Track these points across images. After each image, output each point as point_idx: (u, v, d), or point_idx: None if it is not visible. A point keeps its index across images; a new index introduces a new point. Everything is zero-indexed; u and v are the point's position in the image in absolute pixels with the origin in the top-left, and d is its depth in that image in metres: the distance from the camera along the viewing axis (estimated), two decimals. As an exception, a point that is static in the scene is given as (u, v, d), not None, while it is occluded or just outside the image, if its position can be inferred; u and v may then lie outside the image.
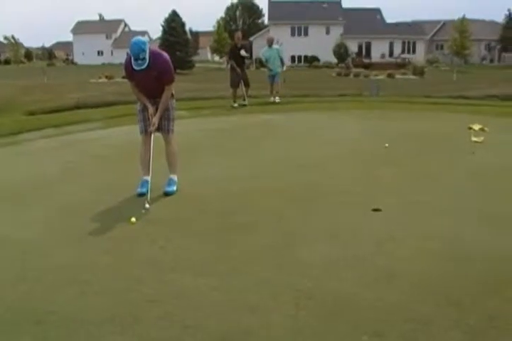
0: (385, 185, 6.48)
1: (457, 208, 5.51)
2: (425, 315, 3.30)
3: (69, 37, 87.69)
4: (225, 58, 15.82)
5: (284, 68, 16.00)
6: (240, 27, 79.82)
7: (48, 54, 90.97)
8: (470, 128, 10.00)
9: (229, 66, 15.80)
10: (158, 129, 6.20)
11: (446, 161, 7.72)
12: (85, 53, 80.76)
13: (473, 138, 9.10)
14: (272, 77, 15.64)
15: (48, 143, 9.68)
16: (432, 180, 6.67)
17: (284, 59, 15.95)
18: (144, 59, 5.63)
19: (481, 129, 9.95)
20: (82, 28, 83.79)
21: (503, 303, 3.44)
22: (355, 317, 3.30)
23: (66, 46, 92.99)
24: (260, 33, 63.62)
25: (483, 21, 67.24)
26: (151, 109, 6.07)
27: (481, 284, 3.74)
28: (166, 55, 5.99)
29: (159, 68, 5.84)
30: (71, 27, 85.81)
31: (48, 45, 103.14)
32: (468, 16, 56.98)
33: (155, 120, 6.04)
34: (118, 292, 3.70)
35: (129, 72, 5.93)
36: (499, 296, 3.55)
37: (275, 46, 15.92)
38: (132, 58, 5.67)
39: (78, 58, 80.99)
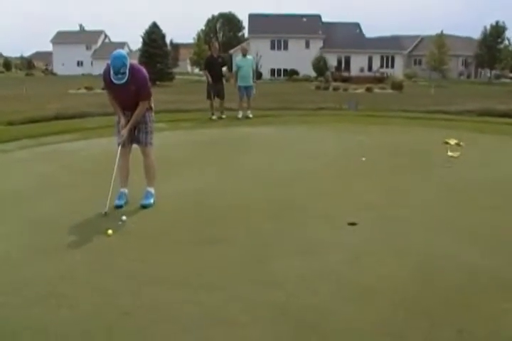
0: (362, 199, 6.53)
1: (432, 222, 5.58)
2: (399, 329, 3.33)
3: (48, 47, 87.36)
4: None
5: (254, 82, 15.50)
6: (220, 40, 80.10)
7: (27, 64, 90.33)
8: (446, 143, 10.14)
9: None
10: (137, 142, 6.21)
11: (423, 175, 7.81)
12: (65, 64, 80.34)
13: (449, 153, 9.22)
14: (244, 90, 15.22)
15: (26, 154, 9.59)
16: (408, 194, 6.74)
17: (255, 71, 15.63)
18: (124, 73, 5.64)
19: (457, 144, 10.09)
20: (62, 38, 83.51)
21: (473, 316, 3.49)
22: (331, 331, 3.32)
23: (45, 56, 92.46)
24: (240, 45, 63.90)
25: (459, 37, 68.30)
26: (122, 121, 6.08)
27: (452, 297, 3.80)
28: (144, 70, 6.02)
29: (137, 83, 5.86)
30: (51, 37, 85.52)
31: (27, 54, 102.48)
32: (446, 32, 57.93)
33: (123, 132, 6.03)
34: (93, 305, 3.68)
35: (108, 82, 5.93)
36: (471, 310, 3.59)
37: (249, 56, 15.77)
38: (112, 71, 5.66)
39: (58, 68, 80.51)
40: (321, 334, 3.28)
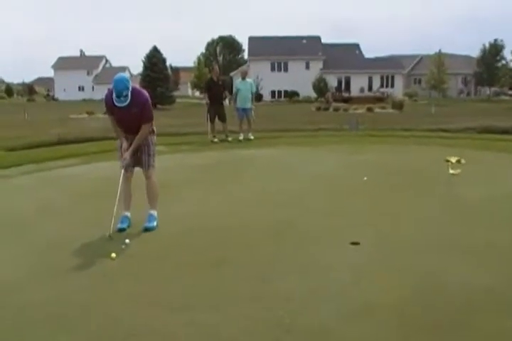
0: (363, 219, 6.52)
1: (433, 241, 5.58)
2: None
3: (50, 73, 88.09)
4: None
5: (253, 105, 15.56)
6: (220, 62, 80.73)
7: (29, 90, 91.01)
8: (447, 161, 10.15)
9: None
10: (139, 165, 6.24)
11: (424, 194, 7.81)
12: (66, 89, 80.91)
13: (451, 171, 9.23)
14: (242, 112, 15.32)
15: (28, 179, 9.63)
16: (409, 214, 6.73)
17: (254, 94, 15.67)
18: (126, 96, 5.71)
19: (458, 161, 10.11)
20: (63, 63, 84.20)
21: (475, 336, 3.48)
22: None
23: (47, 82, 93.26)
24: (240, 68, 64.40)
25: (458, 56, 68.79)
26: (124, 144, 6.13)
27: (453, 316, 3.78)
28: (146, 93, 6.08)
29: (140, 106, 5.92)
30: (52, 63, 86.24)
31: (28, 80, 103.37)
32: (444, 51, 58.38)
33: (126, 155, 6.08)
34: (95, 328, 3.68)
35: (110, 107, 5.99)
36: (474, 329, 3.58)
37: (248, 80, 15.88)
38: (114, 95, 5.73)
39: (59, 94, 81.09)
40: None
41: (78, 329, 3.66)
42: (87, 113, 31.30)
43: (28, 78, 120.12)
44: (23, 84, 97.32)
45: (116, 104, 5.79)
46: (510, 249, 5.30)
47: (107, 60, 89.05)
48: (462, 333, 3.51)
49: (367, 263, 4.88)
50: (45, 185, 9.02)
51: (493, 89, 66.23)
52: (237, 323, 3.72)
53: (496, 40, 64.34)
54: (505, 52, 61.92)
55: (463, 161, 10.10)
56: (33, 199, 7.82)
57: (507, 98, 59.81)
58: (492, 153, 11.99)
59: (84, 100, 67.21)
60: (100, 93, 58.83)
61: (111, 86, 5.82)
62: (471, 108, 35.59)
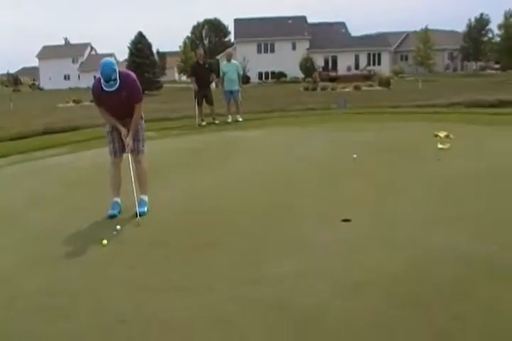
0: (354, 195, 6.54)
1: (424, 215, 5.60)
2: (395, 320, 3.36)
3: (35, 62, 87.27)
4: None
5: (240, 87, 15.55)
6: (206, 46, 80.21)
7: (14, 80, 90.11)
8: (436, 136, 10.17)
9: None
10: (129, 150, 6.21)
11: (414, 169, 7.83)
12: (52, 78, 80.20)
13: (440, 145, 9.26)
14: (229, 94, 15.31)
15: (16, 169, 9.59)
16: (399, 189, 6.75)
17: (240, 76, 15.60)
18: (115, 79, 5.67)
19: (447, 136, 10.13)
20: (47, 52, 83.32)
21: (468, 304, 3.52)
22: (327, 327, 3.33)
23: (32, 71, 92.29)
24: (225, 51, 63.99)
25: (444, 31, 68.63)
26: (123, 131, 6.09)
27: (447, 287, 3.82)
28: (133, 74, 6.05)
29: (129, 88, 5.88)
30: (36, 52, 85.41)
31: (13, 71, 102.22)
32: (430, 27, 58.22)
33: (129, 140, 6.06)
34: (89, 314, 3.67)
35: (98, 96, 5.95)
36: (465, 297, 3.62)
37: (234, 61, 15.83)
38: (103, 80, 5.68)
39: (45, 83, 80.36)
40: (318, 331, 3.29)
41: (75, 316, 3.66)
42: (74, 101, 31.07)
43: (13, 68, 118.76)
44: (8, 75, 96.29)
45: (105, 89, 5.72)
46: (499, 218, 5.34)
47: (92, 48, 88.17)
48: (457, 303, 3.54)
49: (360, 240, 4.89)
50: (34, 175, 8.98)
51: (479, 63, 66.26)
52: (230, 303, 3.72)
53: (481, 15, 64.31)
54: (492, 26, 61.86)
55: (451, 136, 10.12)
56: (21, 189, 7.78)
57: (493, 72, 59.81)
58: (480, 126, 12.01)
59: (70, 88, 66.68)
60: (86, 81, 58.75)
61: (97, 73, 5.79)
62: (457, 83, 35.64)
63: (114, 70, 5.67)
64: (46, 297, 4.00)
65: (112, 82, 5.68)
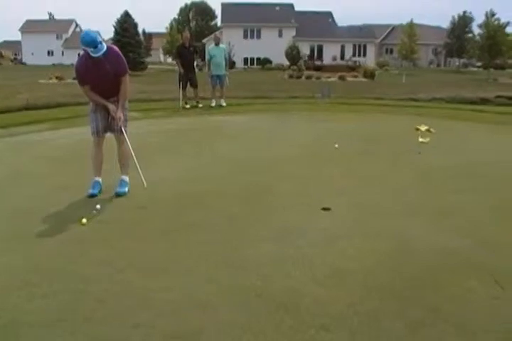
0: (334, 185, 6.61)
1: (403, 207, 5.69)
2: (371, 309, 3.42)
3: (17, 36, 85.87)
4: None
5: (227, 71, 15.57)
6: (192, 29, 79.53)
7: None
8: (417, 129, 10.27)
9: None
10: (112, 130, 6.18)
11: (394, 161, 7.93)
12: (35, 53, 79.15)
13: (420, 139, 9.36)
14: (216, 79, 15.25)
15: (-4, 144, 9.50)
16: (379, 180, 6.84)
17: (227, 60, 15.63)
18: (101, 43, 5.59)
19: (428, 130, 10.23)
20: (31, 27, 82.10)
21: (442, 295, 3.61)
22: (303, 312, 3.39)
23: (14, 45, 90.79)
24: (213, 34, 63.58)
25: (430, 27, 68.92)
26: (111, 106, 6.01)
27: (423, 278, 3.90)
28: (116, 48, 6.01)
29: (112, 60, 5.83)
30: (19, 26, 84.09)
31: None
32: (417, 22, 58.34)
33: (119, 114, 6.00)
34: (67, 293, 3.67)
35: (82, 73, 5.89)
36: (439, 289, 3.71)
37: (221, 45, 15.78)
38: (88, 48, 5.58)
39: (27, 58, 79.28)
40: (294, 316, 3.34)
41: (53, 294, 3.65)
42: (57, 78, 30.61)
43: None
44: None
45: (93, 55, 5.61)
46: (476, 213, 5.45)
47: (77, 24, 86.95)
48: (432, 294, 3.63)
49: (338, 229, 4.96)
50: (14, 151, 8.90)
51: (462, 60, 66.63)
52: (209, 286, 3.76)
53: (464, 12, 64.67)
54: (474, 25, 62.27)
55: (432, 130, 10.23)
56: (2, 165, 7.71)
57: (475, 69, 60.20)
58: (459, 122, 12.26)
59: (54, 65, 65.82)
60: (70, 58, 57.92)
61: (81, 51, 5.75)
62: (440, 78, 35.88)
63: (96, 36, 5.59)
64: (24, 274, 3.97)
65: (99, 46, 5.58)
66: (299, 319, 3.31)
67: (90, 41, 5.54)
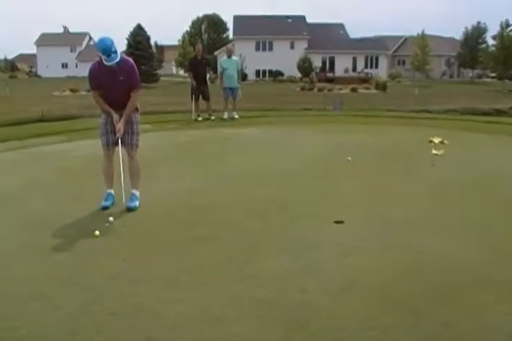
0: (347, 198, 6.57)
1: (417, 220, 5.64)
2: (385, 324, 3.38)
3: (33, 49, 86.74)
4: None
5: (240, 84, 15.55)
6: (204, 41, 79.96)
7: (11, 66, 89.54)
8: (430, 142, 10.20)
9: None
10: (122, 143, 6.18)
11: (407, 174, 7.89)
12: (49, 66, 79.86)
13: (434, 151, 9.29)
14: (229, 91, 15.24)
15: (12, 155, 9.58)
16: (393, 193, 6.80)
17: (240, 72, 15.62)
18: (115, 52, 5.62)
19: (441, 142, 10.15)
20: (46, 40, 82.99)
21: (457, 310, 3.55)
22: (317, 326, 3.35)
23: (29, 58, 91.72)
24: (225, 47, 63.80)
25: (442, 38, 68.80)
26: (115, 116, 6.01)
27: (438, 292, 3.85)
28: (131, 60, 6.04)
29: (126, 72, 5.86)
30: (35, 39, 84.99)
31: (10, 57, 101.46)
32: (429, 33, 58.29)
33: (120, 125, 5.99)
34: (79, 305, 3.67)
35: (95, 76, 5.91)
36: (454, 303, 3.66)
37: (234, 58, 15.80)
38: (102, 55, 5.61)
39: (42, 71, 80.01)
40: (308, 330, 3.31)
41: (65, 306, 3.64)
42: (71, 90, 30.86)
43: (10, 54, 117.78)
44: (5, 61, 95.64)
45: (106, 63, 5.65)
46: (492, 226, 5.39)
47: (90, 37, 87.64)
48: (447, 309, 3.58)
49: (353, 242, 4.92)
50: (30, 162, 8.96)
51: (475, 71, 66.45)
52: (221, 299, 3.74)
53: (478, 23, 64.56)
54: (488, 36, 62.17)
55: (446, 142, 10.16)
56: (17, 176, 7.76)
57: (489, 80, 60.03)
58: (474, 134, 12.13)
59: (68, 77, 66.31)
60: (84, 70, 57.70)
61: (97, 57, 5.77)
62: (454, 90, 35.77)
63: (112, 42, 5.61)
64: (37, 286, 3.98)
65: (113, 55, 5.62)
66: (313, 333, 3.27)
67: (104, 47, 5.58)
